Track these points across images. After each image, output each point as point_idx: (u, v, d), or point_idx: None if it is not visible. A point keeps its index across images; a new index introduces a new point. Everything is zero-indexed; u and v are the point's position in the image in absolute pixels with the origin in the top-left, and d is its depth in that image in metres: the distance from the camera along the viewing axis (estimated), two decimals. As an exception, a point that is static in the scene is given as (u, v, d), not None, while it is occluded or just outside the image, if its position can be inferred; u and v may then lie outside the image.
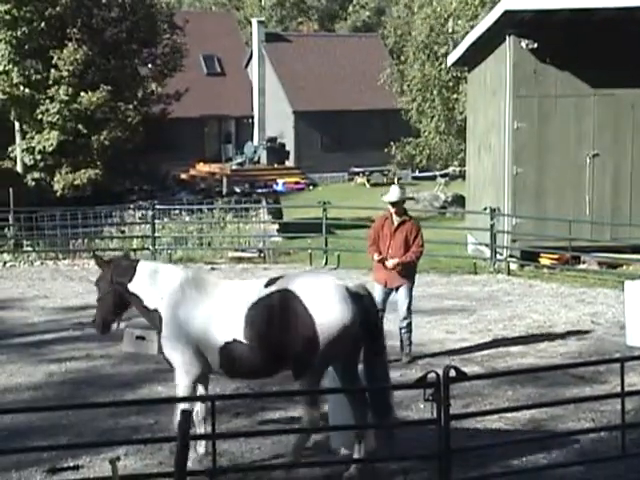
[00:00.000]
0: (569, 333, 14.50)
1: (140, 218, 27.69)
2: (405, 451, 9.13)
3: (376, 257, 12.95)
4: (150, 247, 23.87)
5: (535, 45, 20.63)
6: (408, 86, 43.88)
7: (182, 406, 8.35)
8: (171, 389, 11.51)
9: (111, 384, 12.02)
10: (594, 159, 21.01)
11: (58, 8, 35.81)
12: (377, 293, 12.57)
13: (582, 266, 20.54)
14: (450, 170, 46.16)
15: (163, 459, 9.12)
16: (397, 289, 13.07)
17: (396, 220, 13.02)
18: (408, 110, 44.35)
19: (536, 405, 10.28)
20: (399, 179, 50.45)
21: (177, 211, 28.41)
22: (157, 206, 25.29)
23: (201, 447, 8.87)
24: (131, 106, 37.01)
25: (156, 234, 24.36)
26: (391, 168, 50.53)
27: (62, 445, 9.27)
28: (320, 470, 8.90)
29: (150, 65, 40.37)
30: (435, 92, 41.64)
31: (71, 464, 9.08)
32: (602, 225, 20.47)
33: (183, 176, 51.11)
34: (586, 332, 14.57)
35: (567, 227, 20.03)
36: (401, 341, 13.04)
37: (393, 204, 13.01)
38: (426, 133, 43.00)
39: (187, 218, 28.12)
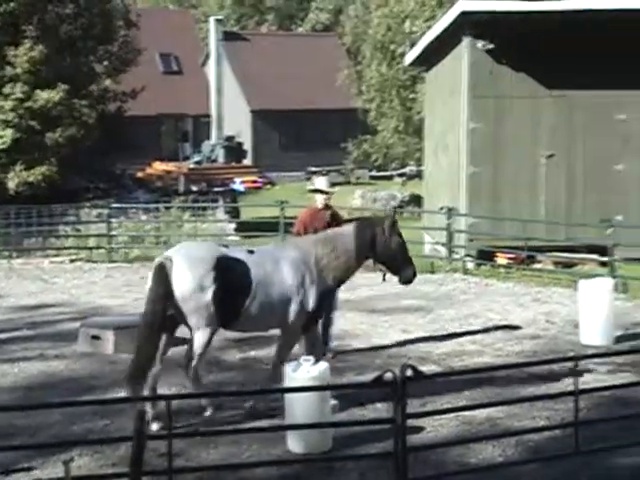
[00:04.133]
0: (524, 332, 14.60)
1: (96, 217, 27.50)
2: (362, 450, 9.16)
3: None
4: (106, 246, 23.72)
5: (491, 46, 20.79)
6: (367, 86, 43.98)
7: None
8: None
9: (65, 385, 11.90)
10: (549, 160, 21.19)
11: (12, 4, 35.48)
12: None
13: (537, 265, 20.69)
14: (407, 170, 46.33)
15: (118, 460, 9.06)
16: None
17: (327, 212, 12.91)
18: (366, 110, 44.43)
19: (492, 404, 10.33)
20: (357, 178, 50.58)
21: (134, 210, 28.27)
22: (113, 205, 25.16)
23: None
24: (87, 103, 36.75)
25: (112, 233, 24.21)
26: (348, 167, 50.59)
27: (15, 446, 9.16)
28: (277, 470, 8.89)
29: (106, 62, 40.12)
30: (394, 92, 41.76)
31: (25, 465, 8.99)
32: (557, 225, 20.65)
33: (140, 175, 50.82)
34: (541, 331, 14.67)
35: (522, 227, 20.19)
36: (329, 335, 12.95)
37: (323, 193, 12.88)
38: (384, 132, 43.11)
39: (144, 217, 27.99)
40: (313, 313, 10.41)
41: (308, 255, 10.37)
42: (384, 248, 10.50)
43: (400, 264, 10.67)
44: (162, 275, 9.88)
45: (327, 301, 10.81)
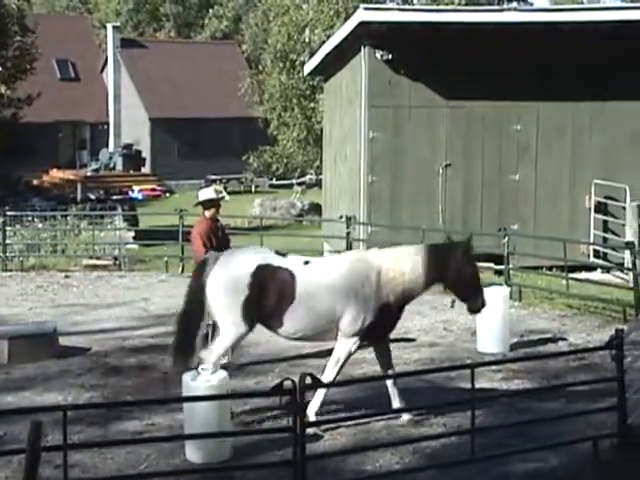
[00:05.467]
0: (422, 340, 14.74)
1: (-10, 225, 26.89)
2: (261, 459, 9.14)
3: None
4: (0, 254, 23.25)
5: (390, 56, 20.97)
6: (268, 95, 43.97)
7: None
8: (22, 399, 11.26)
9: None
10: (446, 169, 21.47)
11: None
12: None
13: (435, 274, 20.86)
14: (307, 178, 46.49)
15: (12, 472, 8.87)
16: None
17: (217, 223, 12.93)
18: (267, 119, 44.44)
19: (389, 412, 10.41)
20: (256, 187, 50.56)
21: (29, 218, 27.73)
22: (8, 212, 24.64)
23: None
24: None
25: (7, 241, 23.75)
26: (248, 176, 50.56)
27: None
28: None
29: (0, 68, 39.36)
30: (294, 101, 41.85)
31: None
32: (454, 233, 20.85)
33: (36, 182, 50.01)
34: (439, 339, 14.83)
35: (421, 235, 20.38)
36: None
37: (213, 203, 12.87)
38: (285, 141, 43.15)
39: (40, 225, 27.49)
40: (371, 327, 10.30)
41: (371, 268, 10.28)
42: (457, 275, 10.34)
43: (470, 292, 10.48)
44: (201, 269, 10.36)
45: (387, 319, 10.54)
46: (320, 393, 10.29)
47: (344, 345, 10.42)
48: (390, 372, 10.53)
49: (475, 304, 10.53)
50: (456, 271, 10.32)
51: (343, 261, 10.62)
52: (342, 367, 10.54)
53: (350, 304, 10.18)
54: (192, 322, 10.40)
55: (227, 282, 10.12)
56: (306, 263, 10.41)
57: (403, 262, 10.33)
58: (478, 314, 10.97)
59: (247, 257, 10.34)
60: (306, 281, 10.17)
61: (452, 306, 11.14)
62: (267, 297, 10.08)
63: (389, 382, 10.56)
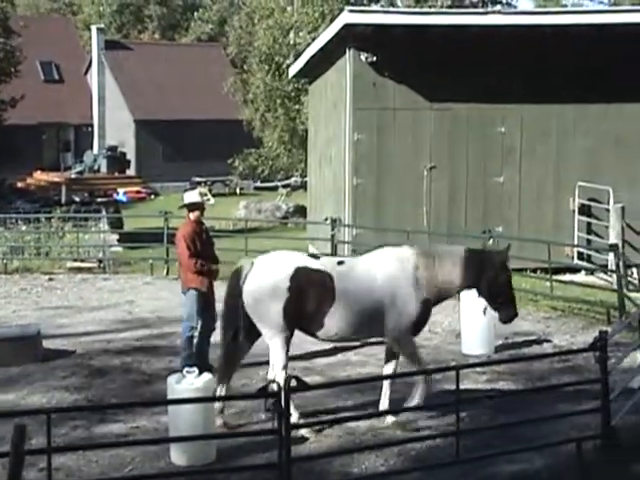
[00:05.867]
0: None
1: (-26, 227, 26.83)
2: (246, 461, 9.13)
3: (213, 267, 12.81)
4: (-16, 257, 23.18)
5: (374, 59, 20.98)
6: (252, 97, 43.92)
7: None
8: (5, 402, 11.21)
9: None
10: (431, 171, 21.49)
11: None
12: (197, 301, 12.54)
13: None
14: (292, 181, 46.46)
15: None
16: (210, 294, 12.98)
17: (202, 225, 12.95)
18: (251, 121, 44.40)
19: (375, 414, 10.42)
20: (241, 189, 50.52)
21: (13, 220, 27.64)
22: (-9, 215, 24.59)
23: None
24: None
25: (-9, 243, 23.69)
26: (233, 178, 50.52)
27: None
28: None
29: (-16, 70, 39.30)
30: (278, 103, 41.82)
31: None
32: (439, 236, 20.93)
33: (20, 184, 49.82)
34: (424, 341, 14.83)
35: (406, 237, 20.40)
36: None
37: (199, 205, 12.90)
38: (270, 144, 43.11)
39: (24, 227, 27.40)
40: (415, 322, 10.40)
41: (407, 264, 10.36)
42: (491, 282, 10.42)
43: (503, 302, 10.56)
44: (236, 277, 10.27)
45: (427, 314, 10.65)
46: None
47: (404, 341, 10.45)
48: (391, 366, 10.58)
49: (507, 313, 10.62)
50: (492, 278, 10.41)
51: (380, 259, 10.56)
52: (421, 360, 10.58)
53: (393, 302, 10.23)
54: (233, 331, 10.34)
55: (266, 288, 10.07)
56: (340, 263, 10.45)
57: (440, 262, 10.43)
58: (509, 324, 11.04)
59: (283, 260, 10.33)
60: (345, 281, 10.18)
61: (484, 313, 11.22)
62: (307, 300, 10.06)
63: (386, 382, 10.62)
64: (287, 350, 10.25)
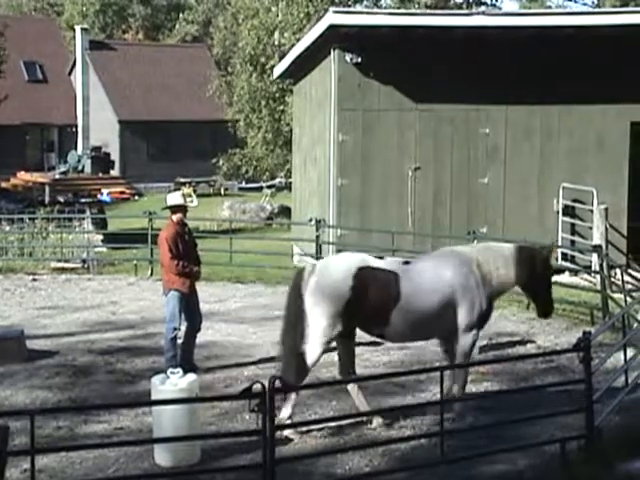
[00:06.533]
0: (389, 343, 14.73)
1: (-43, 228, 26.71)
2: (231, 462, 9.12)
3: (195, 268, 12.80)
4: (-33, 257, 23.09)
5: (359, 59, 20.99)
6: (237, 96, 43.88)
7: None
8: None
9: None
10: (416, 172, 21.51)
11: None
12: (179, 302, 12.53)
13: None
14: (277, 181, 46.42)
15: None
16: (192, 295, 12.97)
17: (185, 225, 12.95)
18: (236, 121, 44.35)
19: (359, 414, 10.42)
20: (226, 189, 50.44)
21: (-4, 220, 27.52)
22: (-25, 215, 24.49)
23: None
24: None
25: (-26, 244, 23.59)
26: (217, 179, 50.47)
27: None
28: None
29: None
30: (263, 103, 41.80)
31: None
32: (424, 236, 20.95)
33: (4, 184, 49.60)
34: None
35: (390, 238, 20.43)
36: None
37: (182, 207, 12.90)
38: (253, 144, 43.10)
39: (7, 227, 27.29)
40: (481, 317, 10.60)
41: (469, 260, 10.60)
42: (538, 279, 10.87)
43: (544, 298, 11.09)
44: (298, 279, 10.34)
45: (490, 309, 10.89)
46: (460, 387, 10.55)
47: (466, 339, 10.58)
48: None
49: (547, 310, 11.22)
50: (541, 274, 10.85)
51: (444, 258, 10.74)
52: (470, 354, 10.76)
53: (461, 299, 10.40)
54: (296, 335, 10.28)
55: (328, 288, 10.09)
56: (405, 263, 10.57)
57: (496, 257, 10.70)
58: (547, 318, 11.71)
59: (345, 261, 10.40)
60: (411, 280, 10.26)
61: (528, 308, 11.59)
62: (371, 298, 10.08)
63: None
64: (323, 352, 10.39)
